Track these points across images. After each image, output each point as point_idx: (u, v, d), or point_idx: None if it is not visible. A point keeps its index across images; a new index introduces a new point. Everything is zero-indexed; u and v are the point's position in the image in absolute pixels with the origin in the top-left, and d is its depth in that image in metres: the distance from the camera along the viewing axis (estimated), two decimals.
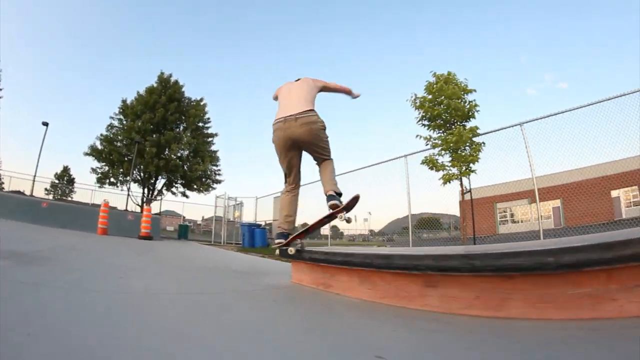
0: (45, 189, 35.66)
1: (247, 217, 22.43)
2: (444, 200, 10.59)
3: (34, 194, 21.54)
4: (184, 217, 33.01)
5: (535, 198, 9.16)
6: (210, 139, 29.32)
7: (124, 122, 26.78)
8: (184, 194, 28.42)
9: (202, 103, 29.63)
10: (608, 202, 20.44)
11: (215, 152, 29.07)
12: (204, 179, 27.61)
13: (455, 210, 13.80)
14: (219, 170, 28.85)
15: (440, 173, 10.10)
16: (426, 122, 10.82)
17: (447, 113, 10.03)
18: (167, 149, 26.13)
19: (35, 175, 22.64)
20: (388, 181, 11.93)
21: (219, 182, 28.69)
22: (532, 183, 9.27)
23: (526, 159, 9.23)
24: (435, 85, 10.42)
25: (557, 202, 24.89)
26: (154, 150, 24.53)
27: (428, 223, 16.17)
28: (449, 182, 9.81)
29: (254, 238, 17.12)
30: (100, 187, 26.49)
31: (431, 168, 10.14)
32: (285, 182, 4.13)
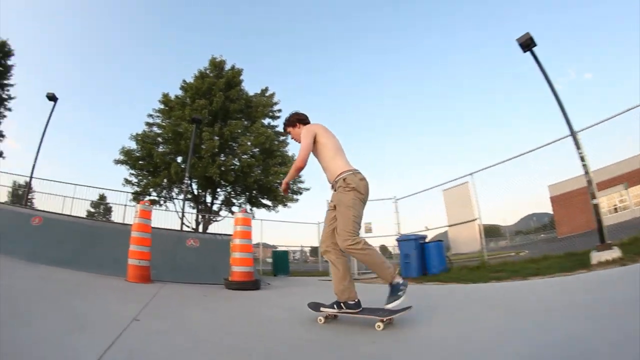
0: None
1: (379, 231, 13.92)
2: None
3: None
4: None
5: None
6: (283, 138, 20.85)
7: (167, 121, 19.00)
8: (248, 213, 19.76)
9: (267, 93, 21.74)
10: None
11: (292, 156, 20.41)
12: (278, 189, 19.00)
13: None
14: (300, 176, 20.09)
15: None
16: None
17: None
18: (231, 147, 18.26)
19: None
20: None
21: (300, 192, 20.05)
22: None
23: None
24: None
25: None
26: (217, 144, 16.24)
27: None
28: None
29: (426, 259, 9.81)
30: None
31: None
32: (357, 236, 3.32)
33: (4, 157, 24.23)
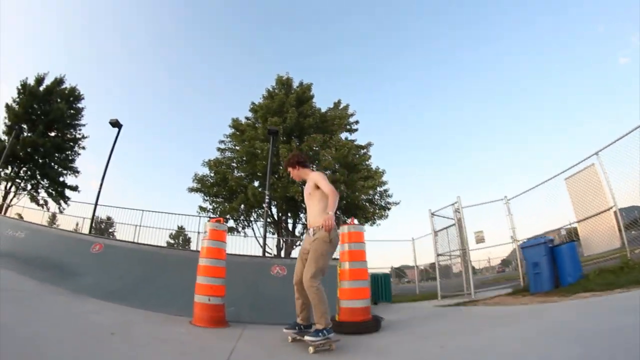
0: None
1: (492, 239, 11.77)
2: None
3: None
4: None
5: None
6: (364, 151, 19.02)
7: (241, 145, 18.11)
8: None
9: (340, 106, 20.19)
10: None
11: (376, 169, 18.37)
12: (368, 205, 17.01)
13: None
14: (387, 190, 17.97)
15: None
16: None
17: None
18: (312, 164, 16.55)
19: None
20: None
21: (388, 207, 17.79)
22: None
23: None
24: None
25: None
26: None
27: None
28: None
29: (558, 267, 7.60)
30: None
31: None
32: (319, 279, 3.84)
33: (79, 191, 25.78)
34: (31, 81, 24.70)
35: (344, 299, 4.60)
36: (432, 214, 11.89)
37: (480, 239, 11.55)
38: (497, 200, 11.04)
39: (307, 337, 3.56)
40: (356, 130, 20.02)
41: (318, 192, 4.04)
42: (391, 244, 19.28)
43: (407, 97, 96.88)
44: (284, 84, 19.84)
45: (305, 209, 14.82)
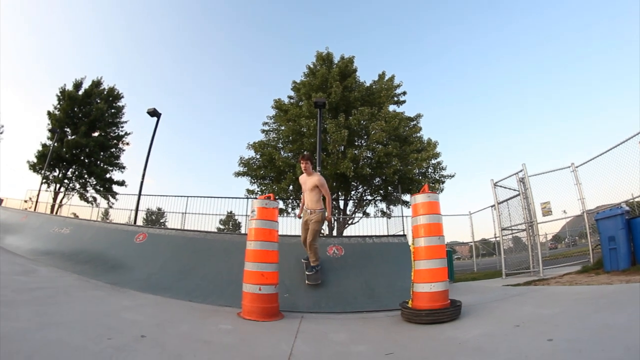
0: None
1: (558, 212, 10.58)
2: None
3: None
4: None
5: None
6: (413, 123, 17.92)
7: (284, 127, 17.73)
8: (385, 212, 17.45)
9: (385, 78, 18.85)
10: None
11: (428, 140, 17.13)
12: (421, 179, 16.01)
13: None
14: (441, 162, 16.89)
15: None
16: None
17: None
18: (361, 139, 16.40)
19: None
20: None
21: (442, 181, 16.83)
22: None
23: None
24: None
25: None
26: (345, 134, 14.31)
27: None
28: None
29: (635, 242, 6.85)
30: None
31: None
32: (317, 241, 5.79)
33: (126, 186, 26.51)
34: (69, 87, 25.66)
35: (420, 281, 3.80)
36: (495, 184, 10.76)
37: (547, 212, 10.42)
38: (563, 168, 9.71)
39: (306, 272, 5.58)
40: (404, 102, 18.86)
41: (317, 189, 5.63)
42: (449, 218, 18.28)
43: (461, 66, 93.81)
44: (325, 59, 18.80)
45: (355, 185, 14.09)
